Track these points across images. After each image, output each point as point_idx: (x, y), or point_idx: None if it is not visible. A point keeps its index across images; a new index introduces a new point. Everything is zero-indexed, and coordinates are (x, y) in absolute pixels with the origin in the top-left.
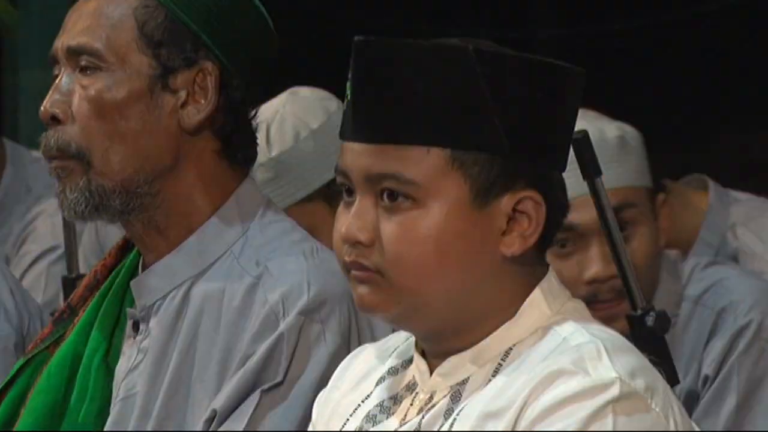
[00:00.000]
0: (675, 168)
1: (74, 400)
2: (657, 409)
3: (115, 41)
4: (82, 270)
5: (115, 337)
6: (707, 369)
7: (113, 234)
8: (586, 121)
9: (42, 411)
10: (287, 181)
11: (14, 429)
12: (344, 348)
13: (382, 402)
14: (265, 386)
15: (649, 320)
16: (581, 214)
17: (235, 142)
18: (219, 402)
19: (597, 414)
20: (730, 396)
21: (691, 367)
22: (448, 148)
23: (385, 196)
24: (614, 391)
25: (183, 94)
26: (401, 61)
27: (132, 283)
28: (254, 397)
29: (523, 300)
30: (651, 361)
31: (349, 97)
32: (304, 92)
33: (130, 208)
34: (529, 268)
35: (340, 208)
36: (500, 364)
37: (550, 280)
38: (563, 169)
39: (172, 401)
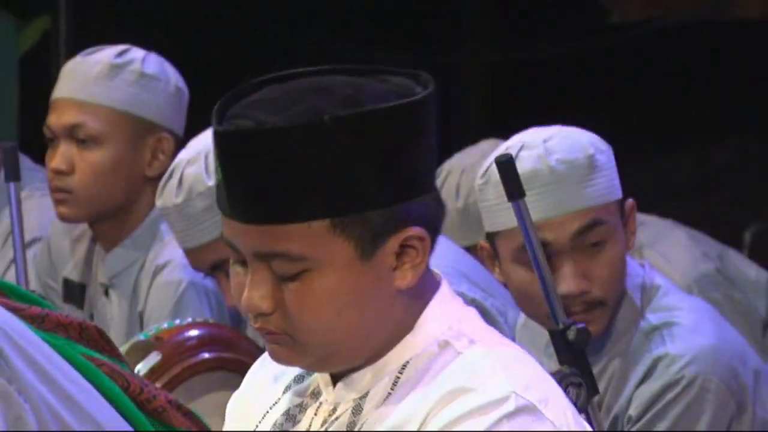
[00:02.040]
0: None
1: None
2: (551, 419)
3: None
4: (33, 287)
5: None
6: (633, 410)
7: (66, 254)
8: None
9: None
10: None
11: None
12: None
13: (288, 410)
14: None
15: (571, 334)
16: (555, 233)
17: None
18: None
19: (493, 429)
20: None
21: (625, 390)
22: (327, 219)
23: (277, 268)
24: (509, 406)
25: None
26: (263, 148)
27: None
28: None
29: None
30: (572, 373)
31: (219, 174)
32: None
33: None
34: (423, 285)
35: (236, 269)
36: (398, 377)
37: (443, 290)
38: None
39: None
